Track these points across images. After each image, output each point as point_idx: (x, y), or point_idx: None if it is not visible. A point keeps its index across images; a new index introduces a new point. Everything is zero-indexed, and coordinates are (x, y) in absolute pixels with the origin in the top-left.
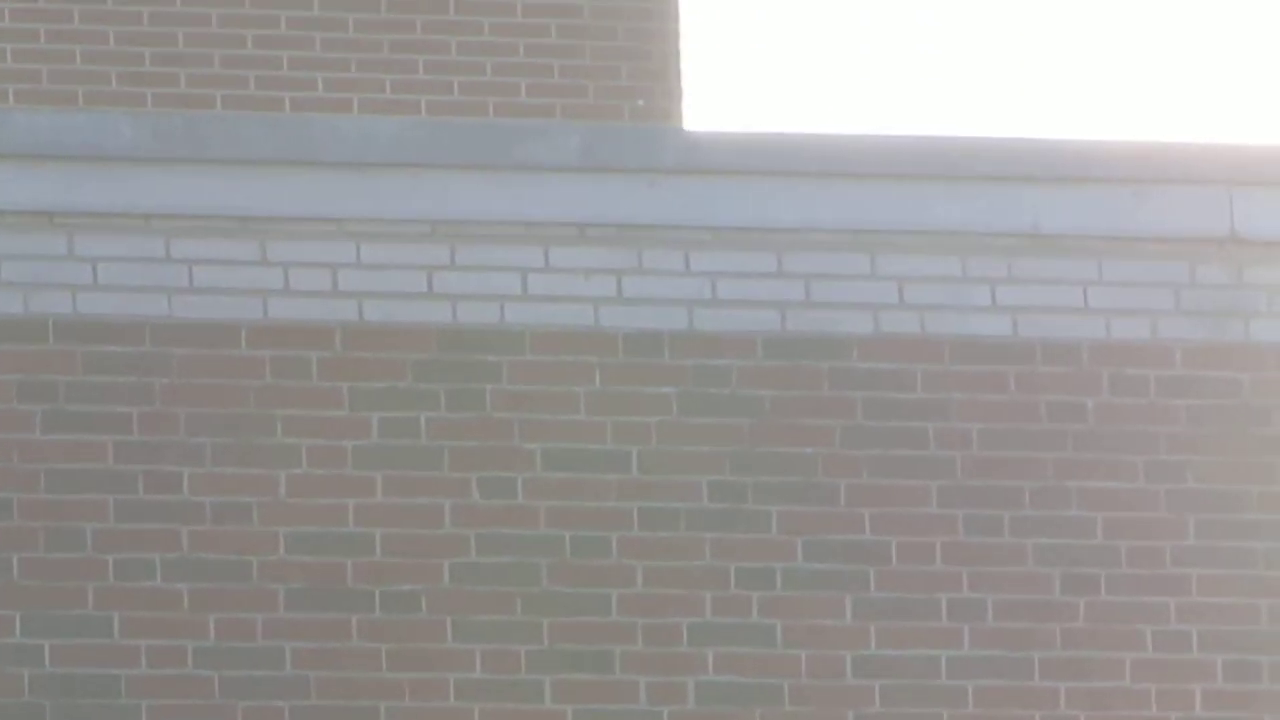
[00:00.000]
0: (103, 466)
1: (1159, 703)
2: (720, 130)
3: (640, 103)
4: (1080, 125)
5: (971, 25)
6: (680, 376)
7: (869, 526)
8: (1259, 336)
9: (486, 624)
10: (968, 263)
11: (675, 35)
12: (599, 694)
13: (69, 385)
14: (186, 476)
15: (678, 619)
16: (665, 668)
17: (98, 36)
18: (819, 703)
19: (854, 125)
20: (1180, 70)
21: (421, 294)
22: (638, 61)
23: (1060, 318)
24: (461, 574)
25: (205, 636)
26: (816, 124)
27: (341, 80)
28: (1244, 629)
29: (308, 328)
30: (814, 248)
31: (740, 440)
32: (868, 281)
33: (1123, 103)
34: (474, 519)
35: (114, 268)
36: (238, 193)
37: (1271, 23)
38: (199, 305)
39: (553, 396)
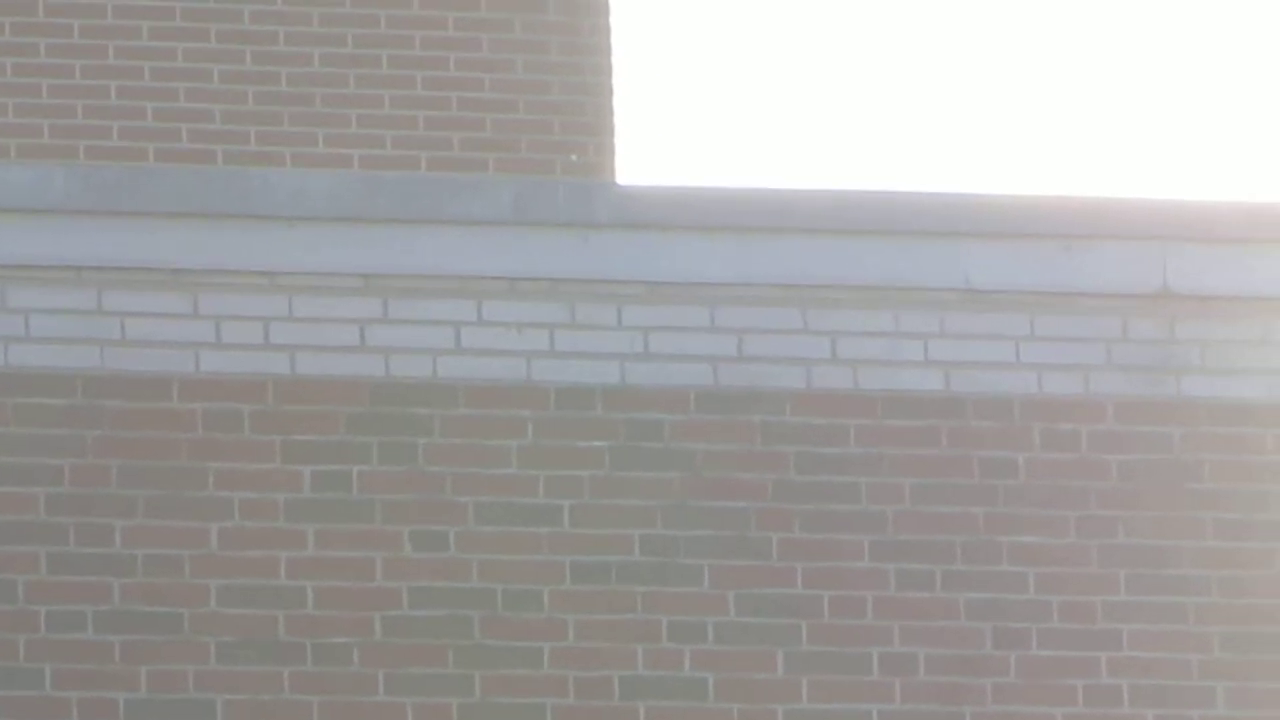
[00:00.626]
0: (34, 518)
1: None
2: (653, 185)
3: (573, 157)
4: (1014, 181)
5: (906, 81)
6: (612, 430)
7: (801, 580)
8: (1190, 391)
9: (418, 677)
10: (900, 317)
11: (608, 90)
12: None
13: (0, 437)
14: (119, 529)
15: (609, 672)
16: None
17: (31, 89)
18: None
19: (787, 180)
20: (1114, 128)
21: (354, 347)
22: (571, 116)
23: (992, 373)
24: (393, 627)
25: (137, 688)
26: (750, 179)
27: (274, 134)
28: (1175, 684)
29: (240, 380)
30: (747, 302)
31: (672, 494)
32: (800, 336)
33: (1057, 159)
34: (406, 572)
35: (46, 319)
36: (170, 245)
37: (1203, 81)
38: (131, 358)
39: (485, 450)
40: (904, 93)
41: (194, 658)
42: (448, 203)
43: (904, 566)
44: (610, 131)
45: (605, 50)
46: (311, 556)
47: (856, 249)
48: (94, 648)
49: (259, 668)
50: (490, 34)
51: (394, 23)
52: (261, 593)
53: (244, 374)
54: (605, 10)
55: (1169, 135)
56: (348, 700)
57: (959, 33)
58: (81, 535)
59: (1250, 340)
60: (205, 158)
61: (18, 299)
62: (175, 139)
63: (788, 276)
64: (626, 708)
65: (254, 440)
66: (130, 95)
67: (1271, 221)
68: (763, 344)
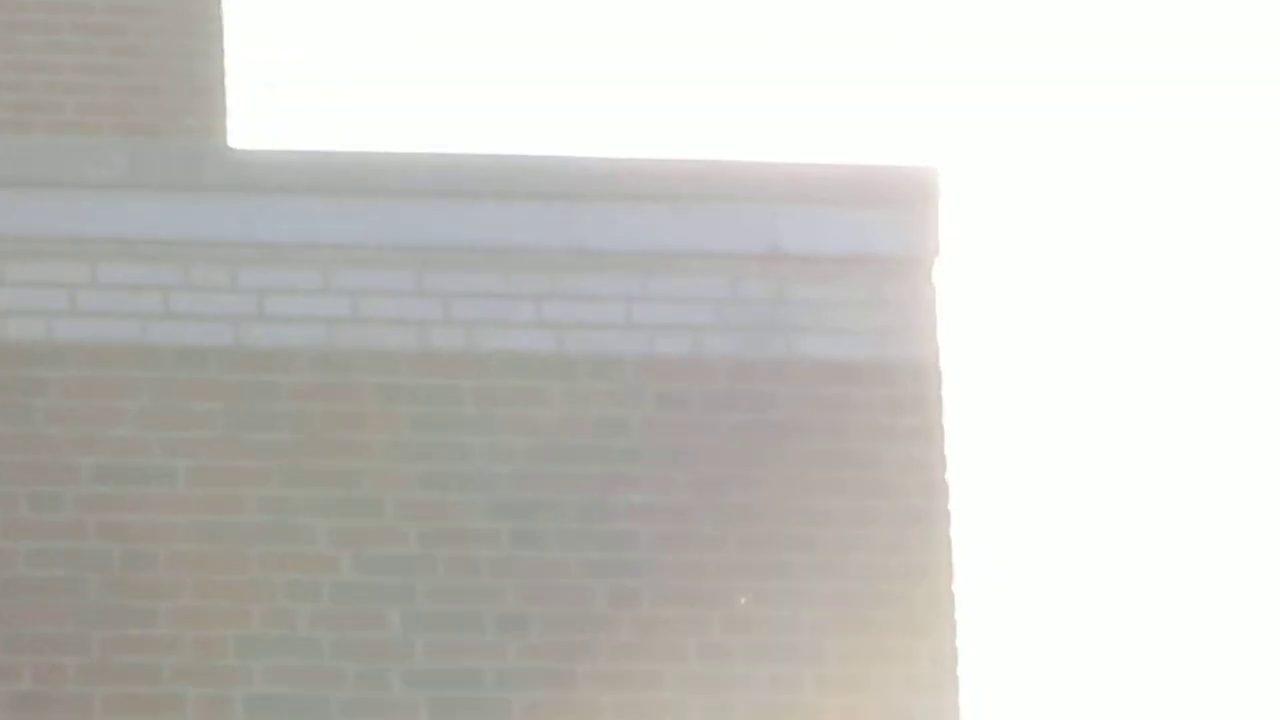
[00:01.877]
0: None
1: (703, 714)
2: (267, 149)
3: (188, 121)
4: (625, 144)
5: (522, 42)
6: (228, 392)
7: (415, 540)
8: (801, 351)
9: (35, 636)
10: (513, 279)
11: (220, 54)
12: (146, 706)
13: None
14: None
15: (226, 631)
16: (213, 680)
17: None
18: (366, 715)
19: (402, 144)
20: (724, 91)
21: None
22: (185, 80)
23: (604, 333)
24: (10, 588)
25: None
26: (363, 143)
27: None
28: (786, 641)
29: None
30: (361, 265)
31: (288, 455)
32: (414, 298)
33: (667, 122)
34: (23, 532)
35: None
36: None
37: (812, 40)
38: None
39: (101, 411)
40: (520, 55)
41: None
42: (62, 165)
43: (518, 526)
44: (222, 94)
45: (217, 14)
46: None
47: (470, 212)
48: None
49: None
50: None
51: None
52: None
53: None
54: None
55: (778, 98)
56: None
57: None
58: None
59: (859, 300)
60: None
61: None
62: None
63: (402, 239)
64: (242, 667)
65: None
66: None
67: (879, 183)
68: (377, 305)
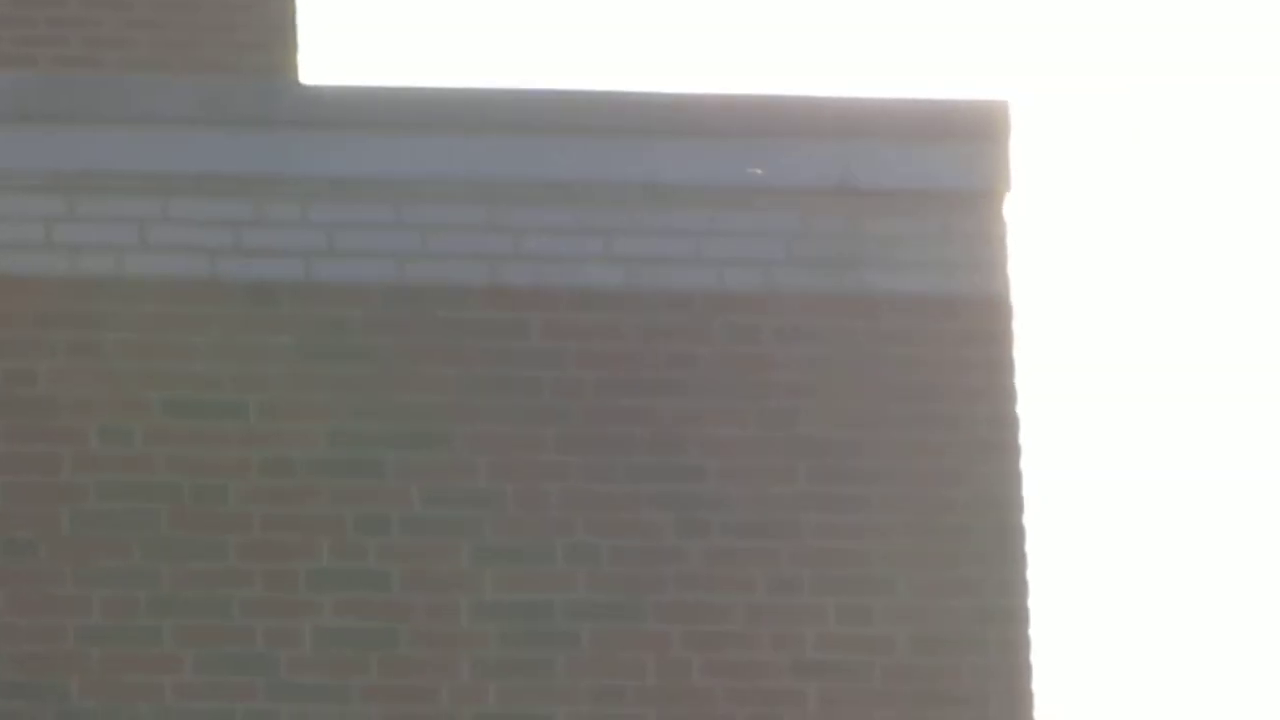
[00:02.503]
0: None
1: (771, 645)
2: (337, 84)
3: (259, 57)
4: (695, 79)
5: None
6: (298, 326)
7: (485, 473)
8: (871, 285)
9: (105, 570)
10: (583, 213)
11: None
12: (217, 637)
13: None
14: None
15: (295, 565)
16: (283, 612)
17: None
18: (435, 647)
19: (471, 79)
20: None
21: (40, 245)
22: (256, 15)
23: (674, 268)
24: (81, 521)
25: None
26: (434, 79)
27: None
28: (855, 572)
29: None
30: (431, 199)
31: (358, 389)
32: (484, 232)
33: (738, 59)
34: (92, 466)
35: None
36: None
37: None
38: None
39: (171, 347)
40: None
41: None
42: (134, 101)
43: (587, 459)
44: (294, 31)
45: None
46: None
47: (540, 146)
48: None
49: None
50: None
51: None
52: None
53: None
54: None
55: (849, 34)
56: (36, 593)
57: None
58: None
59: (929, 234)
60: None
61: None
62: None
63: (472, 174)
64: (312, 601)
65: None
66: None
67: (949, 117)
68: (447, 240)
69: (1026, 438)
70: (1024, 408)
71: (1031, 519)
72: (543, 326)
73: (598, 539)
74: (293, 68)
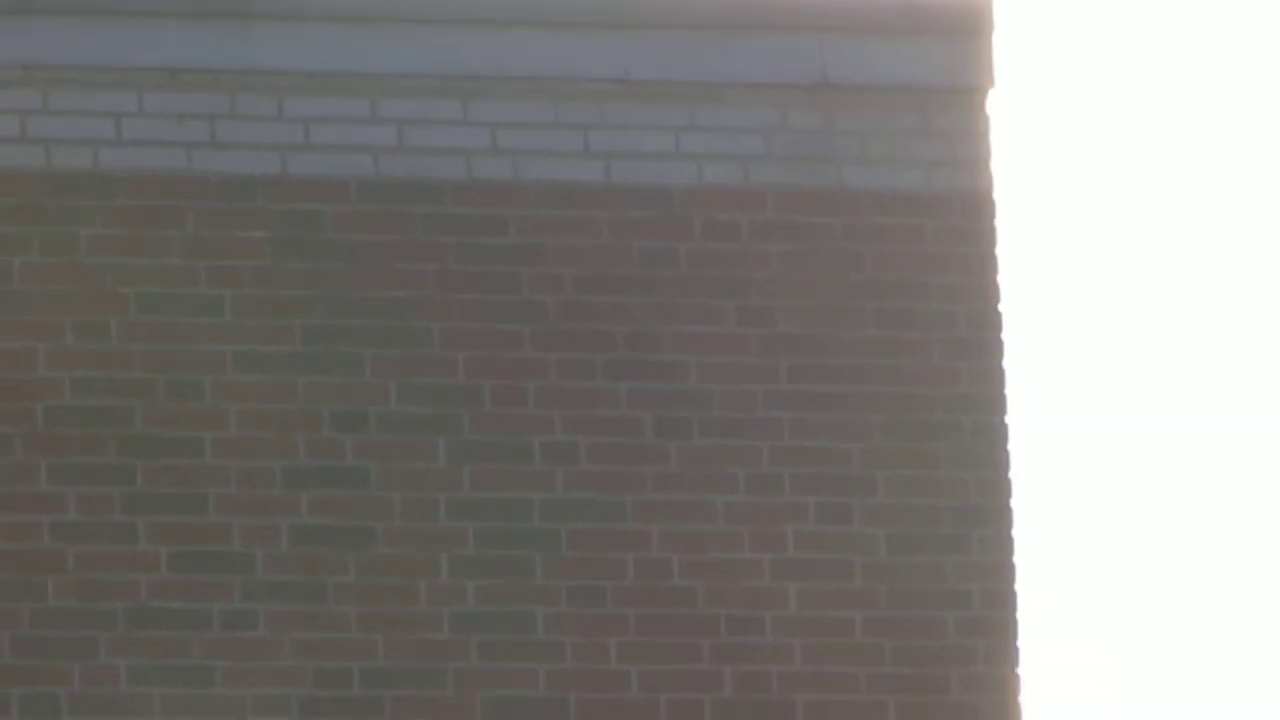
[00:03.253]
0: None
1: (751, 545)
2: None
3: None
4: None
5: None
6: (273, 221)
7: (463, 370)
8: (850, 181)
9: (80, 466)
10: (560, 108)
11: None
12: (192, 535)
13: None
14: None
15: (271, 462)
16: (259, 510)
17: None
18: (413, 545)
19: None
20: None
21: (14, 138)
22: None
23: (652, 163)
24: (56, 417)
25: None
26: None
27: None
28: (835, 471)
29: None
30: (407, 94)
31: (333, 284)
32: (460, 127)
33: None
34: (68, 362)
35: None
36: None
37: None
38: None
39: (146, 241)
40: None
41: None
42: None
43: (565, 356)
44: None
45: None
46: None
47: (517, 41)
48: None
49: None
50: None
51: None
52: None
53: None
54: None
55: None
56: (10, 490)
57: None
58: None
59: (909, 131)
60: None
61: None
62: None
63: (448, 68)
64: (289, 497)
65: None
66: None
67: (929, 12)
68: (423, 135)
69: (1009, 337)
70: (1006, 306)
71: (1014, 419)
72: (519, 222)
73: (576, 437)
74: None
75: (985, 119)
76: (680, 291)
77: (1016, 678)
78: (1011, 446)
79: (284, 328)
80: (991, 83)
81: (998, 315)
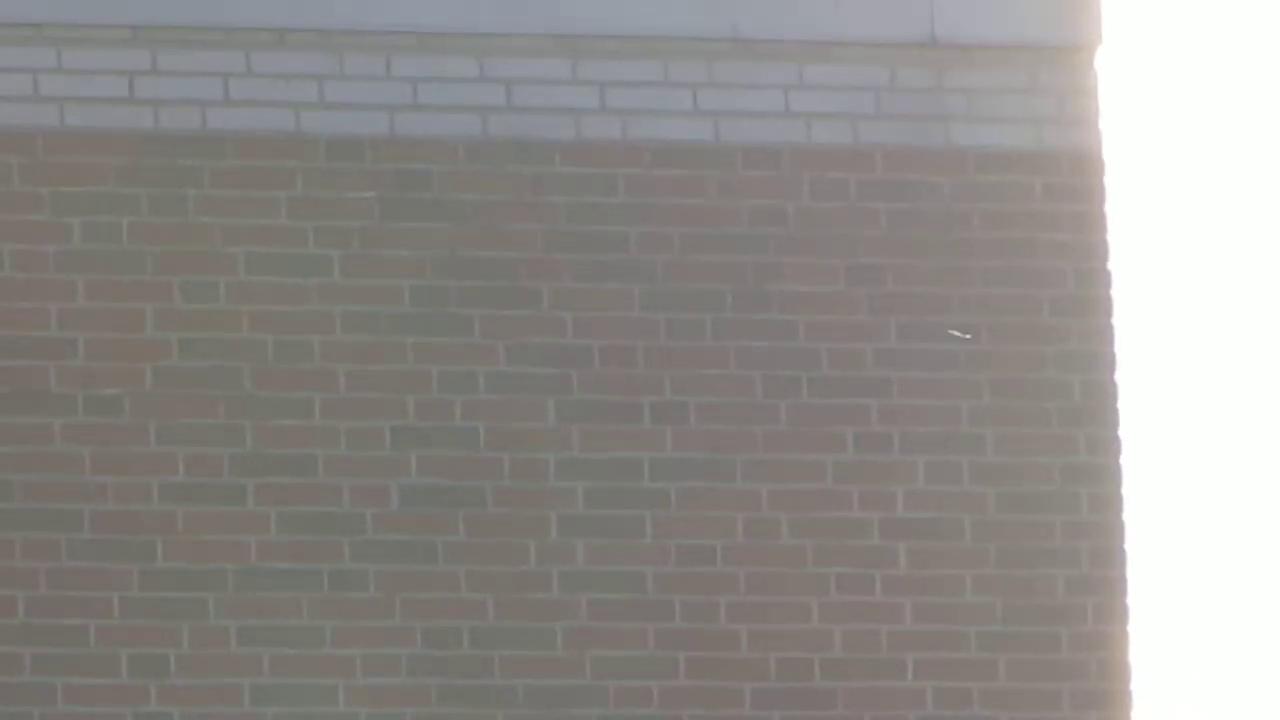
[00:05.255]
0: None
1: (861, 504)
2: None
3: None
4: None
5: None
6: (382, 181)
7: (571, 330)
8: (958, 140)
9: (189, 427)
10: (669, 67)
11: None
12: (301, 496)
13: None
14: None
15: (380, 422)
16: (368, 470)
17: None
18: (522, 505)
19: None
20: None
21: (123, 99)
22: None
23: (761, 122)
24: (164, 378)
25: None
26: None
27: None
28: (944, 429)
29: (8, 134)
30: (515, 53)
31: (442, 245)
32: (569, 86)
33: None
34: (176, 323)
35: None
36: None
37: None
38: None
39: (254, 201)
40: None
41: None
42: None
43: (674, 316)
44: None
45: None
46: (82, 308)
47: (626, 0)
48: None
49: (30, 419)
50: None
51: None
52: (32, 344)
53: (12, 126)
54: None
55: None
56: (119, 451)
57: None
58: None
59: (1017, 89)
60: None
61: None
62: None
63: (556, 26)
64: (398, 457)
65: (23, 192)
66: None
67: None
68: (531, 94)
69: (1119, 294)
70: (1116, 264)
71: (1124, 377)
72: (628, 182)
73: (685, 397)
74: None
75: (1094, 76)
76: (789, 250)
77: (1126, 635)
78: (1121, 404)
79: (392, 288)
80: (1100, 40)
81: (1107, 273)
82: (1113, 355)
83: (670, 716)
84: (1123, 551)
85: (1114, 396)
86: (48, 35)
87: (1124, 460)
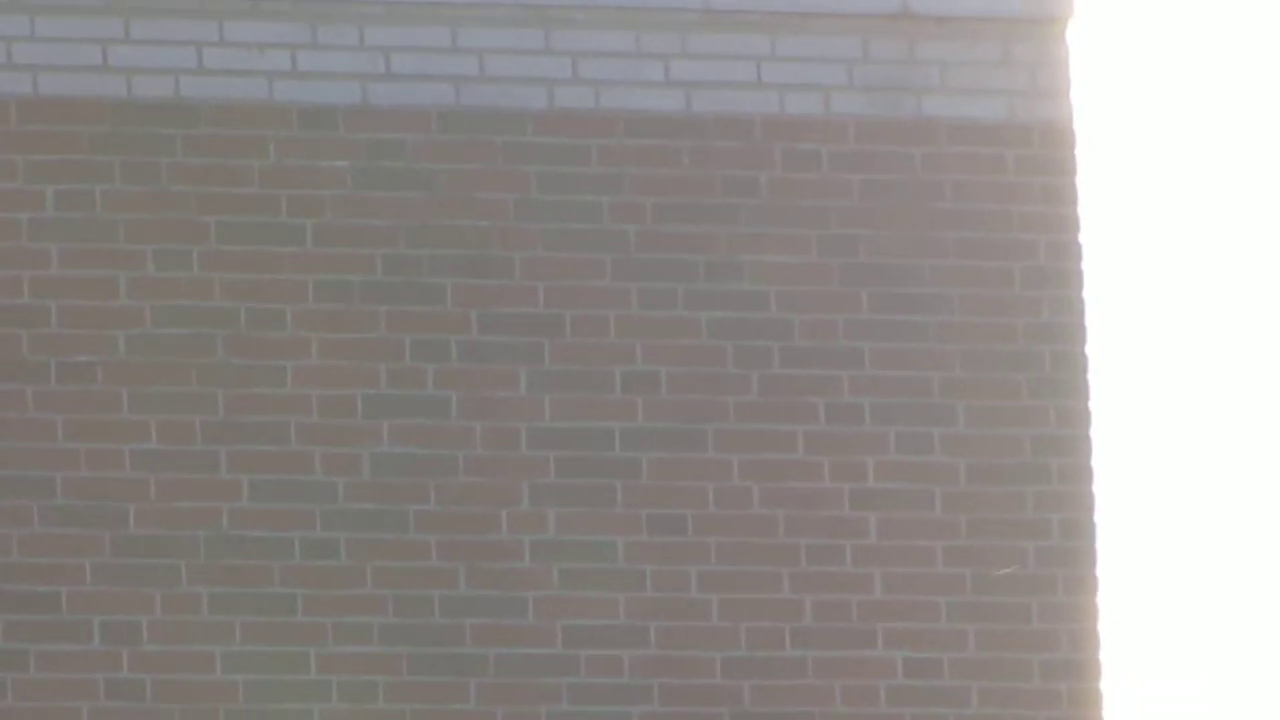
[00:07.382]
0: None
1: (831, 474)
2: None
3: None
4: None
5: None
6: (354, 150)
7: (543, 299)
8: (930, 112)
9: (162, 395)
10: (641, 38)
11: None
12: (273, 464)
13: None
14: None
15: (352, 390)
16: (340, 439)
17: None
18: (494, 473)
19: None
20: None
21: (96, 67)
22: None
23: (733, 93)
24: (137, 345)
25: None
26: None
27: None
28: (915, 401)
29: None
30: (488, 23)
31: (414, 214)
32: (542, 56)
33: None
34: (149, 291)
35: None
36: None
37: None
38: None
39: (227, 170)
40: None
41: None
42: None
43: (646, 285)
44: None
45: None
46: (55, 275)
47: None
48: None
49: (2, 386)
50: None
51: None
52: (4, 312)
53: None
54: None
55: None
56: (91, 419)
57: None
58: None
59: (989, 61)
60: None
61: None
62: None
63: None
64: (370, 426)
65: None
66: None
67: None
68: (504, 64)
69: (1089, 266)
70: (1086, 236)
71: (1094, 348)
72: (600, 152)
73: (657, 366)
74: None
75: (1066, 49)
76: (761, 221)
77: (1096, 607)
78: (1091, 376)
79: (365, 257)
80: (1072, 12)
81: (1078, 245)
82: (1083, 327)
83: (641, 686)
84: (1093, 523)
85: (1084, 368)
86: (21, 3)
87: (1094, 432)
